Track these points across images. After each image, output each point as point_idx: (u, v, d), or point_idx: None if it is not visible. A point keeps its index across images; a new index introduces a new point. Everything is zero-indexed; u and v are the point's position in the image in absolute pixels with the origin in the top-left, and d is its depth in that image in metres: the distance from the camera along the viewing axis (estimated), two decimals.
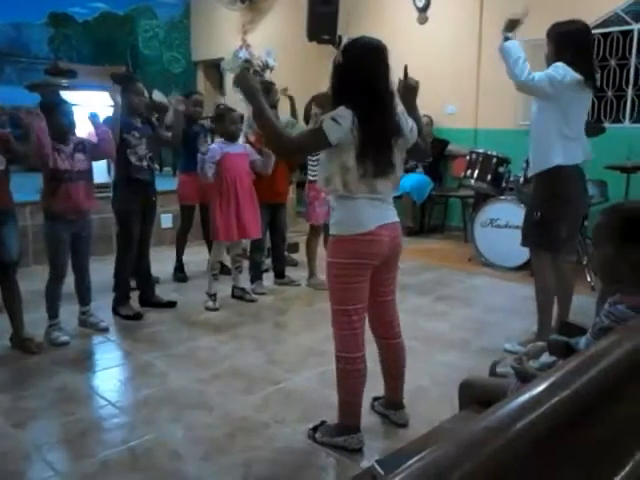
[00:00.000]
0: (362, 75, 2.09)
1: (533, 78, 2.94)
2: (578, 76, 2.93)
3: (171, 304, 4.03)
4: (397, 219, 2.29)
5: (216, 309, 4.00)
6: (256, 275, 4.44)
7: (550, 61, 3.04)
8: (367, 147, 2.07)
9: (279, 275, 4.59)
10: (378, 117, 2.10)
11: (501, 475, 0.68)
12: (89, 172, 3.38)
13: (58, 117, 3.23)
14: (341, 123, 2.04)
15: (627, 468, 0.78)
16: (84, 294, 3.55)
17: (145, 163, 3.75)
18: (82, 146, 3.34)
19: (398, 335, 2.43)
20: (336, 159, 2.11)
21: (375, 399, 2.57)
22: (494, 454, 0.69)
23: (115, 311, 3.84)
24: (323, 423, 2.38)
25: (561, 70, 2.93)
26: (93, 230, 3.60)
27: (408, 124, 2.22)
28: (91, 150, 3.36)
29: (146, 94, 4.03)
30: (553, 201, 3.04)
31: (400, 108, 2.21)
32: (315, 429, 2.36)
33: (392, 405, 2.49)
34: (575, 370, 0.86)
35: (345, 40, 2.15)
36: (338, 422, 2.32)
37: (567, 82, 2.92)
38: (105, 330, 3.56)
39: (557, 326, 2.90)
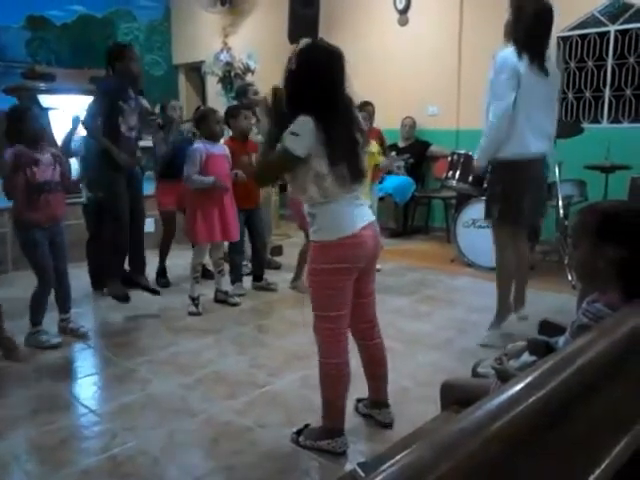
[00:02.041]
0: (321, 80, 2.05)
1: (499, 113, 3.00)
2: (520, 62, 2.96)
3: (155, 292, 3.95)
4: (374, 218, 2.28)
5: (199, 313, 3.97)
6: (236, 277, 4.42)
7: (508, 30, 3.07)
8: (337, 151, 2.05)
9: (257, 278, 4.57)
10: (341, 120, 2.08)
11: (477, 476, 0.68)
12: (64, 183, 3.36)
13: (28, 123, 3.17)
14: (300, 134, 2.00)
15: (603, 465, 0.78)
16: (64, 301, 3.50)
17: (133, 134, 3.70)
18: (60, 160, 3.31)
19: (378, 335, 2.43)
20: (309, 168, 2.07)
21: (359, 400, 2.56)
22: (470, 455, 0.69)
23: (99, 286, 3.75)
24: (307, 426, 2.37)
25: (503, 69, 2.98)
26: (65, 235, 3.52)
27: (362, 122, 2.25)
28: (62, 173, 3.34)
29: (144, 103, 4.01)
30: (513, 175, 3.10)
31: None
32: (299, 433, 2.35)
33: (376, 405, 2.49)
34: (551, 370, 0.87)
35: (301, 45, 2.11)
36: (322, 425, 2.30)
37: (514, 67, 2.96)
38: (85, 336, 3.52)
39: (538, 326, 2.93)
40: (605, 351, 0.94)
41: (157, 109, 4.89)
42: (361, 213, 2.19)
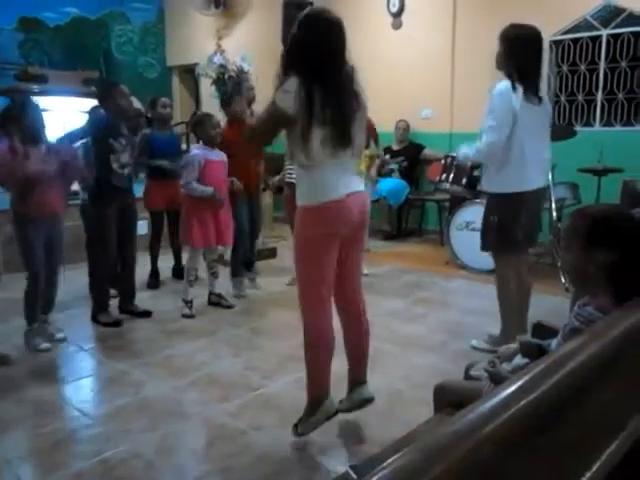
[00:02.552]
0: (314, 45, 2.09)
1: (491, 136, 3.00)
2: (515, 95, 2.97)
3: (146, 313, 3.97)
4: (363, 188, 2.28)
5: (192, 316, 3.96)
6: (237, 271, 4.44)
7: (500, 61, 3.08)
8: (321, 115, 2.05)
9: (247, 266, 4.58)
10: (332, 88, 2.09)
11: (469, 479, 0.68)
12: (61, 176, 3.33)
13: (26, 120, 3.17)
14: (290, 91, 2.04)
15: (594, 467, 0.79)
16: (49, 301, 3.47)
17: (126, 171, 3.70)
18: (56, 151, 3.30)
19: (364, 312, 2.43)
20: (296, 131, 2.09)
21: (340, 401, 2.53)
22: (462, 458, 0.69)
23: (95, 319, 3.78)
24: (301, 419, 2.38)
25: (503, 101, 2.97)
26: (64, 233, 3.50)
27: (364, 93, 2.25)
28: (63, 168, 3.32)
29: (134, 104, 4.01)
30: (508, 205, 3.10)
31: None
32: (296, 426, 2.37)
33: (354, 384, 2.47)
34: (542, 373, 0.87)
35: (305, 11, 2.15)
36: (308, 401, 2.33)
37: (510, 103, 2.97)
38: (62, 341, 3.49)
39: (531, 328, 2.94)
40: (596, 354, 0.95)
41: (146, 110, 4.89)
42: (348, 181, 2.19)
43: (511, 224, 3.12)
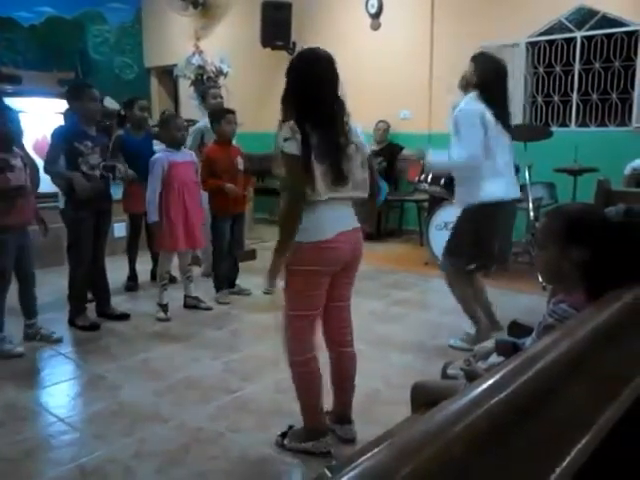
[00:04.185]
0: (302, 85, 2.14)
1: (467, 159, 3.06)
2: (482, 108, 3.04)
3: (124, 316, 3.92)
4: (358, 225, 2.29)
5: (167, 319, 3.92)
6: (219, 285, 4.39)
7: (470, 81, 3.14)
8: (319, 155, 2.08)
9: (230, 285, 4.53)
10: (321, 124, 2.11)
11: (439, 478, 0.68)
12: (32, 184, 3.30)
13: (4, 125, 3.11)
14: (290, 137, 2.07)
15: (564, 463, 0.79)
16: (30, 306, 3.43)
17: (97, 172, 3.65)
18: (29, 161, 3.25)
19: (350, 344, 2.42)
20: (313, 167, 2.09)
21: (327, 413, 2.53)
22: (432, 457, 0.68)
23: (71, 323, 3.73)
24: (291, 428, 2.36)
25: (473, 115, 3.03)
26: (36, 242, 3.46)
27: (359, 137, 2.26)
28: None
29: (111, 105, 3.97)
30: (489, 218, 3.14)
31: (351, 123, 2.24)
32: (284, 435, 2.34)
33: (339, 419, 2.46)
34: (514, 371, 0.87)
35: (298, 48, 2.21)
36: (304, 427, 2.31)
37: (481, 115, 3.04)
38: (58, 341, 3.46)
39: (507, 327, 2.98)
40: (567, 351, 0.96)
41: (120, 108, 4.84)
42: (343, 220, 2.21)
43: (485, 239, 3.16)
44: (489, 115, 3.05)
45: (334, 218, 2.17)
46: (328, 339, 2.41)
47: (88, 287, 3.86)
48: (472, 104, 3.06)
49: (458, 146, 3.08)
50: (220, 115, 4.16)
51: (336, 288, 2.30)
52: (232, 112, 4.17)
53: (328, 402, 2.49)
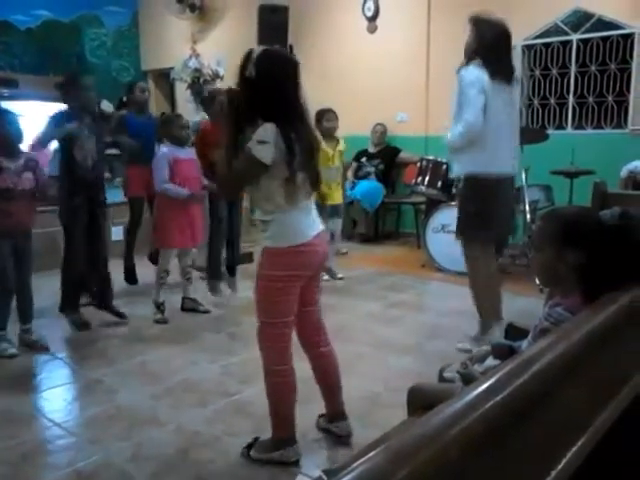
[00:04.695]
0: (282, 88, 2.06)
1: (469, 118, 3.04)
2: (485, 80, 3.05)
3: (122, 316, 3.89)
4: (323, 227, 2.30)
5: (165, 321, 3.91)
6: (214, 274, 4.41)
7: (470, 45, 3.16)
8: (298, 158, 2.06)
9: (231, 271, 4.56)
10: (299, 129, 2.09)
11: None
12: (33, 191, 3.27)
13: (3, 128, 3.10)
14: (267, 141, 1.99)
15: (559, 466, 0.79)
16: (26, 311, 3.41)
17: (90, 162, 3.63)
18: (34, 164, 3.24)
19: (327, 343, 2.40)
20: (275, 176, 2.06)
21: (320, 416, 2.53)
22: (428, 461, 0.68)
23: (62, 310, 3.71)
24: (256, 440, 2.33)
25: (472, 82, 3.04)
26: (33, 246, 3.43)
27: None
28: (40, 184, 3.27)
29: (107, 107, 3.97)
30: (487, 192, 3.15)
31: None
32: (249, 447, 2.31)
33: (333, 418, 2.45)
34: (509, 374, 0.88)
35: (257, 52, 2.10)
36: (272, 436, 2.28)
37: (482, 83, 3.04)
38: (46, 348, 3.43)
39: (503, 328, 2.99)
40: (563, 354, 0.96)
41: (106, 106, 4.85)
42: (313, 222, 2.22)
43: (491, 211, 3.16)
44: (490, 83, 3.04)
45: (309, 221, 2.19)
46: (304, 343, 2.40)
47: (83, 280, 3.81)
48: (472, 70, 3.06)
49: (459, 116, 3.08)
50: (212, 97, 4.29)
51: (306, 293, 2.28)
52: (221, 93, 4.19)
53: (321, 407, 2.50)
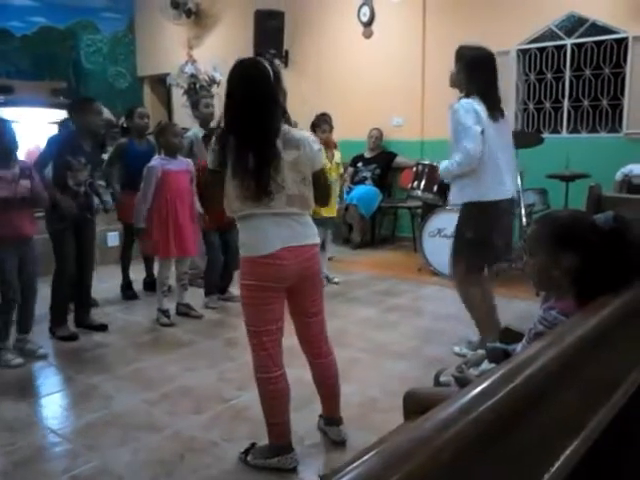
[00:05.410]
0: (231, 98, 2.12)
1: (468, 151, 3.03)
2: (481, 107, 3.06)
3: (102, 327, 3.88)
4: (311, 241, 2.22)
5: (171, 324, 3.95)
6: (210, 290, 4.41)
7: (458, 81, 3.17)
8: (237, 167, 2.07)
9: (222, 291, 4.55)
10: (247, 137, 2.08)
11: None
12: (32, 198, 3.26)
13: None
14: (214, 148, 2.12)
15: (553, 469, 0.80)
16: (26, 321, 3.39)
17: (82, 189, 3.65)
18: (29, 172, 3.23)
19: (326, 354, 2.39)
20: (228, 181, 2.12)
21: (320, 416, 2.54)
22: (421, 465, 0.69)
23: (51, 332, 3.72)
24: (254, 445, 2.33)
25: (468, 112, 3.03)
26: (36, 254, 3.43)
27: (304, 151, 2.16)
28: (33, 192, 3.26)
29: (105, 114, 3.98)
30: (486, 215, 3.13)
31: (300, 132, 2.23)
32: (246, 452, 2.31)
33: (328, 422, 2.47)
34: (503, 377, 0.88)
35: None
36: (269, 443, 2.28)
37: (480, 114, 3.04)
38: (44, 357, 3.42)
39: (499, 332, 2.99)
40: (556, 357, 0.96)
41: (122, 120, 4.86)
42: (290, 233, 2.14)
43: (490, 235, 3.14)
44: (484, 113, 3.05)
45: (274, 233, 2.11)
46: (304, 352, 2.40)
47: (71, 298, 3.84)
48: (467, 101, 3.07)
49: (458, 144, 3.08)
50: (166, 128, 4.15)
51: (298, 305, 2.29)
52: (176, 125, 4.28)
53: (319, 407, 2.51)
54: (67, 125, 3.85)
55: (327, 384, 2.42)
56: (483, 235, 3.13)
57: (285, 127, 2.17)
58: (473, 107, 3.03)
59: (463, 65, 3.13)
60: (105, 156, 4.59)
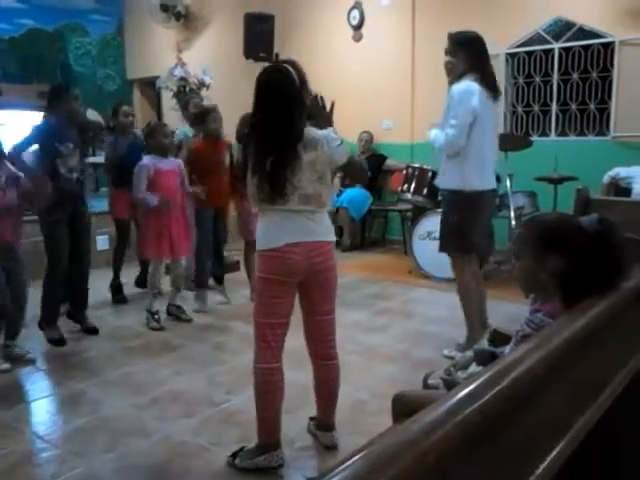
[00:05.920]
0: (257, 101, 2.20)
1: (454, 134, 3.10)
2: (478, 93, 3.11)
3: (94, 330, 3.85)
4: (324, 238, 2.24)
5: (161, 327, 3.93)
6: (202, 281, 4.41)
7: (456, 62, 3.20)
8: (257, 169, 2.14)
9: (218, 280, 4.55)
10: (271, 143, 2.14)
11: None
12: (19, 207, 3.24)
13: None
14: (240, 149, 2.25)
15: (539, 470, 0.80)
16: (14, 326, 3.35)
17: (75, 175, 3.61)
18: (16, 181, 3.20)
19: (333, 357, 2.40)
20: (249, 179, 2.19)
21: (311, 419, 2.55)
22: (407, 467, 0.69)
23: (41, 327, 3.68)
24: (242, 449, 2.33)
25: (463, 99, 3.09)
26: (24, 264, 3.40)
27: (323, 149, 2.18)
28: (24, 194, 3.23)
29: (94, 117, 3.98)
30: (468, 205, 3.21)
31: (320, 132, 2.22)
32: (234, 455, 2.31)
33: (321, 426, 2.47)
34: (489, 380, 0.88)
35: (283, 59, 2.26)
36: (258, 441, 2.28)
37: (472, 102, 3.09)
38: (32, 362, 3.39)
39: (488, 335, 3.01)
40: (542, 359, 0.97)
41: (92, 115, 4.86)
42: (300, 229, 2.18)
43: (471, 224, 3.22)
44: (480, 98, 3.10)
45: (285, 228, 2.17)
46: (310, 351, 2.41)
47: (64, 295, 3.79)
48: (469, 84, 3.10)
49: (446, 122, 3.14)
50: (204, 115, 4.26)
51: (310, 302, 2.31)
52: (214, 110, 4.22)
53: (313, 410, 2.50)
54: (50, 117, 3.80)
55: (331, 387, 2.42)
56: (465, 221, 3.21)
57: (307, 129, 2.20)
58: (471, 92, 3.08)
59: (457, 44, 3.20)
60: (92, 159, 4.58)
